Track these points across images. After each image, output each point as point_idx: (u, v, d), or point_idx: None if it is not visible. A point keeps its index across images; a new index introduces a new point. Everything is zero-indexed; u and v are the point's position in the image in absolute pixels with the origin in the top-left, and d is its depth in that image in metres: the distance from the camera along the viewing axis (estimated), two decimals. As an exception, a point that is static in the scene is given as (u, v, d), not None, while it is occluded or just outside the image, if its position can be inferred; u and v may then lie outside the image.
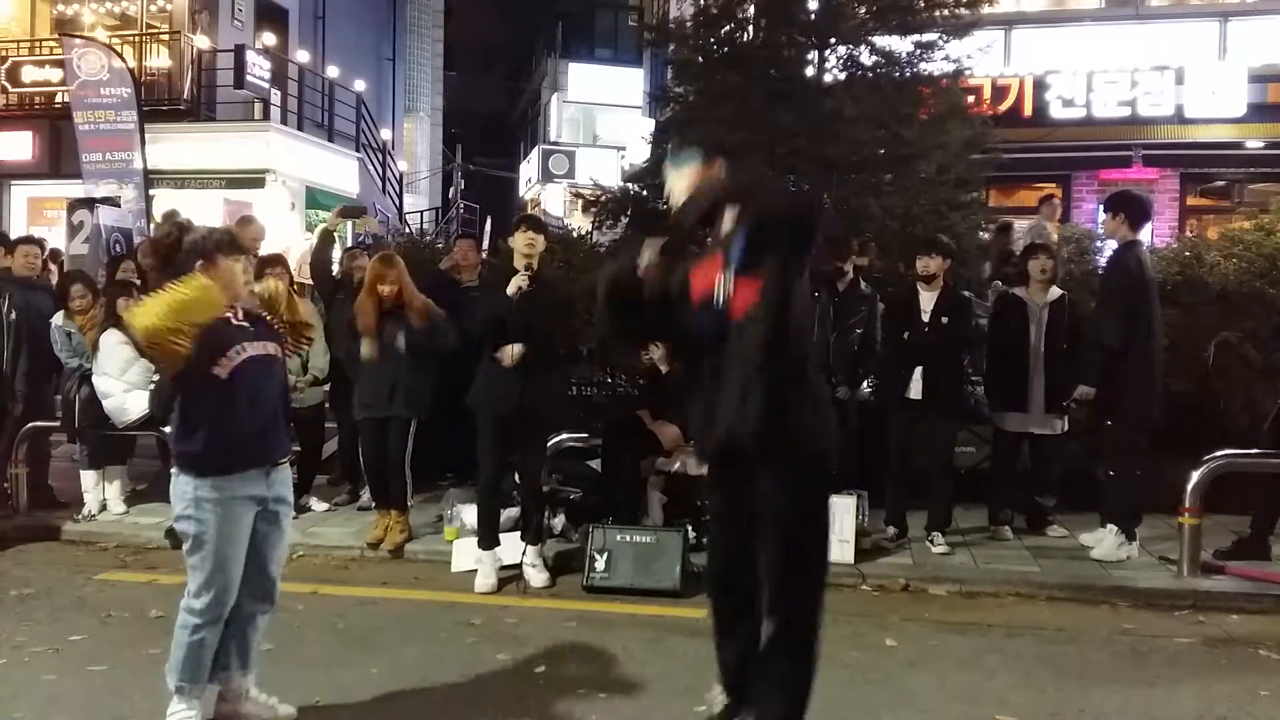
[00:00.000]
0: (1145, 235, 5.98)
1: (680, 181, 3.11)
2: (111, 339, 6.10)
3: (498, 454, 5.43)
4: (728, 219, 2.92)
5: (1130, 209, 5.70)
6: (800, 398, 2.94)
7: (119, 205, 11.37)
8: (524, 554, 5.47)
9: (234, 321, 3.49)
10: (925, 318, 5.77)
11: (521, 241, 5.25)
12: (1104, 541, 5.65)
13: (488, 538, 5.43)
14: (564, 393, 5.58)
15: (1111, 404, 5.61)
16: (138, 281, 7.22)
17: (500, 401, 5.27)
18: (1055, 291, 6.05)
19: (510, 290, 5.18)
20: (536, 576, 5.42)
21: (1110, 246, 7.11)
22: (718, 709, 3.29)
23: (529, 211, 25.20)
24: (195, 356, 3.32)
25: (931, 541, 5.76)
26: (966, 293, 6.58)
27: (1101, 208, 5.92)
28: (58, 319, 6.57)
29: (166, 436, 4.20)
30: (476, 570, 5.41)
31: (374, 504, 6.29)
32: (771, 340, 2.84)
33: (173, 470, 3.51)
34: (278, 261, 7.02)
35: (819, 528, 3.03)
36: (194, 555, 3.45)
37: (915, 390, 5.73)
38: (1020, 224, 8.79)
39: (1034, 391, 5.96)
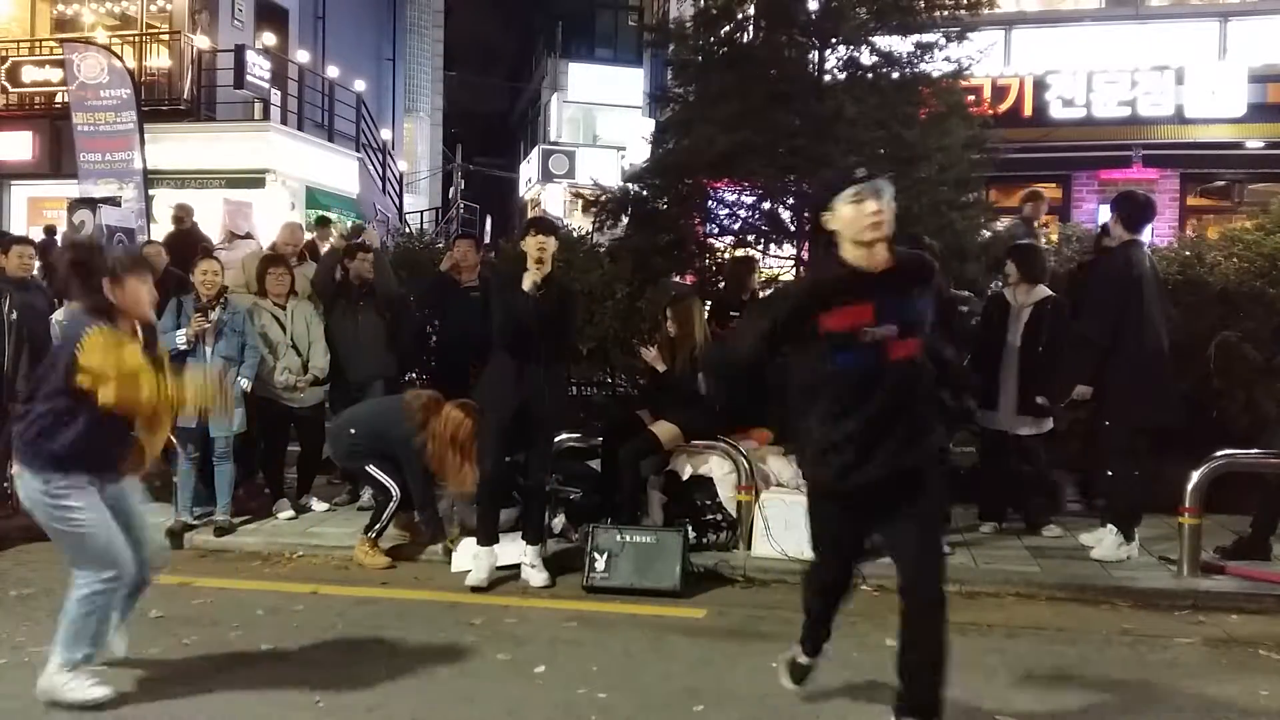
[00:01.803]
0: (1145, 235, 5.96)
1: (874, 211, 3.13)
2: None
3: (499, 453, 5.44)
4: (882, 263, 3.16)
5: (1125, 209, 5.70)
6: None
7: (119, 204, 11.37)
8: (524, 554, 5.48)
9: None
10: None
11: (533, 245, 5.26)
12: (1104, 541, 5.65)
13: (485, 535, 5.45)
14: (565, 392, 5.61)
15: (1103, 403, 5.60)
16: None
17: (509, 400, 5.30)
18: (1041, 292, 6.05)
19: (526, 286, 5.20)
20: (536, 576, 5.43)
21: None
22: (800, 660, 3.68)
23: (534, 212, 25.29)
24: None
25: None
26: (965, 292, 6.59)
27: (1108, 207, 5.93)
28: (59, 314, 6.58)
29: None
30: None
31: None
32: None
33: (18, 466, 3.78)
34: (279, 262, 7.03)
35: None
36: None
37: None
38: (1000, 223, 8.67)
39: (1005, 391, 5.98)
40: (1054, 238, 8.75)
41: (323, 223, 10.82)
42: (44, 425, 3.67)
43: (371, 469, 5.90)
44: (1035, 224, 8.33)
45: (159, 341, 4.08)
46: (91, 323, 3.65)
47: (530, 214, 25.64)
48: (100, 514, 3.75)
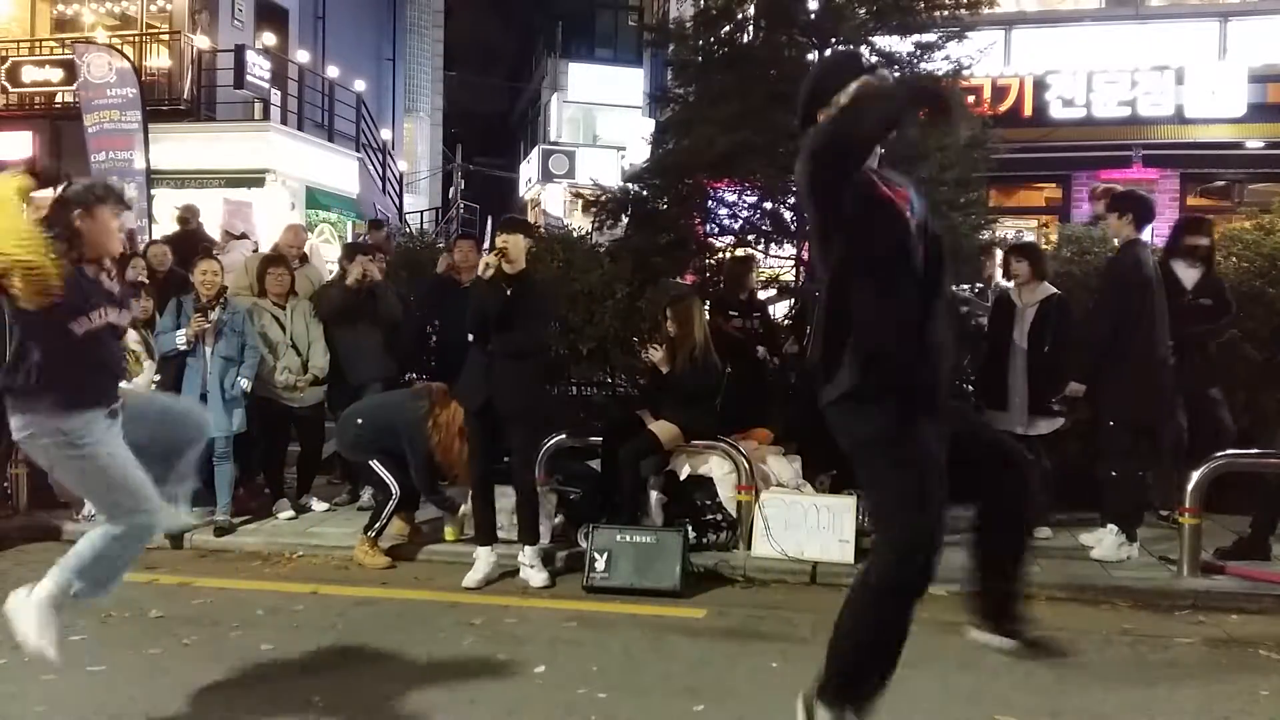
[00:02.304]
0: (1146, 235, 5.97)
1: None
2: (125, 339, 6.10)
3: (478, 448, 5.49)
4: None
5: (1138, 208, 5.71)
6: None
7: (120, 204, 11.36)
8: (522, 554, 5.48)
9: (104, 284, 3.52)
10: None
11: (496, 242, 5.40)
12: (1104, 541, 5.65)
13: (481, 535, 5.47)
14: (542, 389, 5.59)
15: (1108, 403, 5.60)
16: (145, 281, 7.24)
17: (475, 395, 5.40)
18: (1044, 291, 6.05)
19: (479, 270, 5.36)
20: (535, 576, 5.43)
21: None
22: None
23: (534, 212, 25.28)
24: (57, 304, 3.31)
25: None
26: (966, 292, 6.59)
27: (1105, 206, 5.90)
28: None
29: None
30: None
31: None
32: None
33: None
34: (280, 262, 7.03)
35: None
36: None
37: None
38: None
39: (1015, 391, 5.98)
40: (1053, 238, 8.74)
41: (376, 225, 10.97)
42: (20, 372, 3.38)
43: (375, 464, 5.90)
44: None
45: (125, 286, 3.87)
46: None
47: (530, 214, 25.72)
48: (122, 449, 3.44)
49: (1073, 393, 5.67)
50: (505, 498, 5.72)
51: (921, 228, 2.79)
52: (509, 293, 5.30)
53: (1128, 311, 5.49)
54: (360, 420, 6.02)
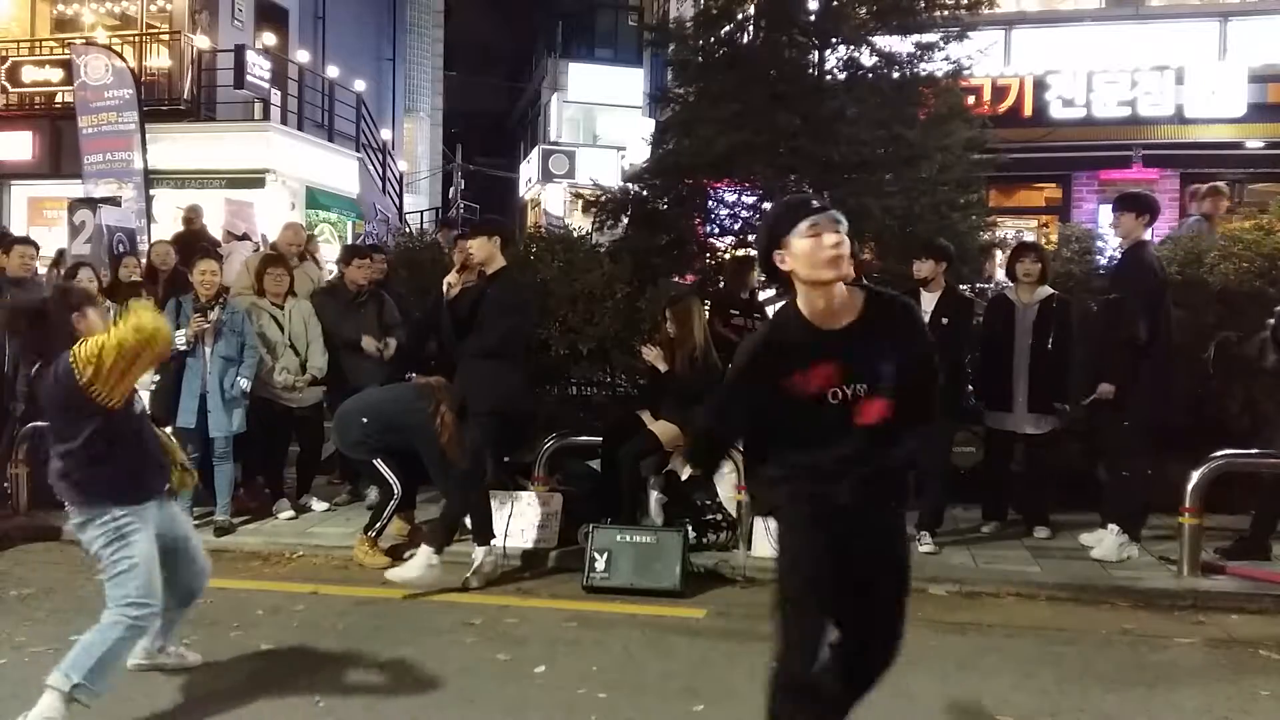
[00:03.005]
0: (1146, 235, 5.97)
1: (846, 246, 2.70)
2: None
3: (469, 446, 5.50)
4: (850, 314, 2.76)
5: (1153, 209, 5.73)
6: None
7: (120, 204, 11.37)
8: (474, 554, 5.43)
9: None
10: (925, 319, 5.78)
11: (456, 254, 5.54)
12: (1104, 541, 5.65)
13: (478, 535, 5.46)
14: (514, 390, 5.50)
15: (1132, 403, 5.59)
16: (140, 280, 7.25)
17: (457, 397, 5.49)
18: (1044, 291, 6.06)
19: (444, 289, 5.38)
20: (474, 579, 5.36)
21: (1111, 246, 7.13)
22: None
23: (534, 212, 25.27)
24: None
25: (919, 541, 5.78)
26: (969, 293, 6.59)
27: (1114, 205, 5.88)
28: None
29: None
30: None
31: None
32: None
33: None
34: (279, 263, 7.03)
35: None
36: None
37: None
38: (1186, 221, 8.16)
39: (1018, 392, 5.99)
40: (1053, 238, 8.74)
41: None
42: (81, 461, 3.62)
43: (378, 463, 5.83)
44: (1214, 220, 7.81)
45: None
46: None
47: (530, 214, 25.73)
48: (152, 545, 3.70)
49: (1103, 394, 5.61)
50: (505, 503, 5.73)
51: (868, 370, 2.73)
52: (484, 292, 5.32)
53: (1159, 310, 5.54)
54: (365, 419, 5.87)
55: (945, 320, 5.75)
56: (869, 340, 2.73)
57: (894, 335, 2.76)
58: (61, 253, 9.75)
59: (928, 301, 5.81)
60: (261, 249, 9.52)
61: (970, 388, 6.62)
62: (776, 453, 2.88)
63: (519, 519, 5.83)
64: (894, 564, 2.92)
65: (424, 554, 5.26)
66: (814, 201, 2.78)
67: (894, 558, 2.92)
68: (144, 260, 8.33)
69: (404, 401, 5.90)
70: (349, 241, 16.46)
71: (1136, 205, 5.72)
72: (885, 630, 2.91)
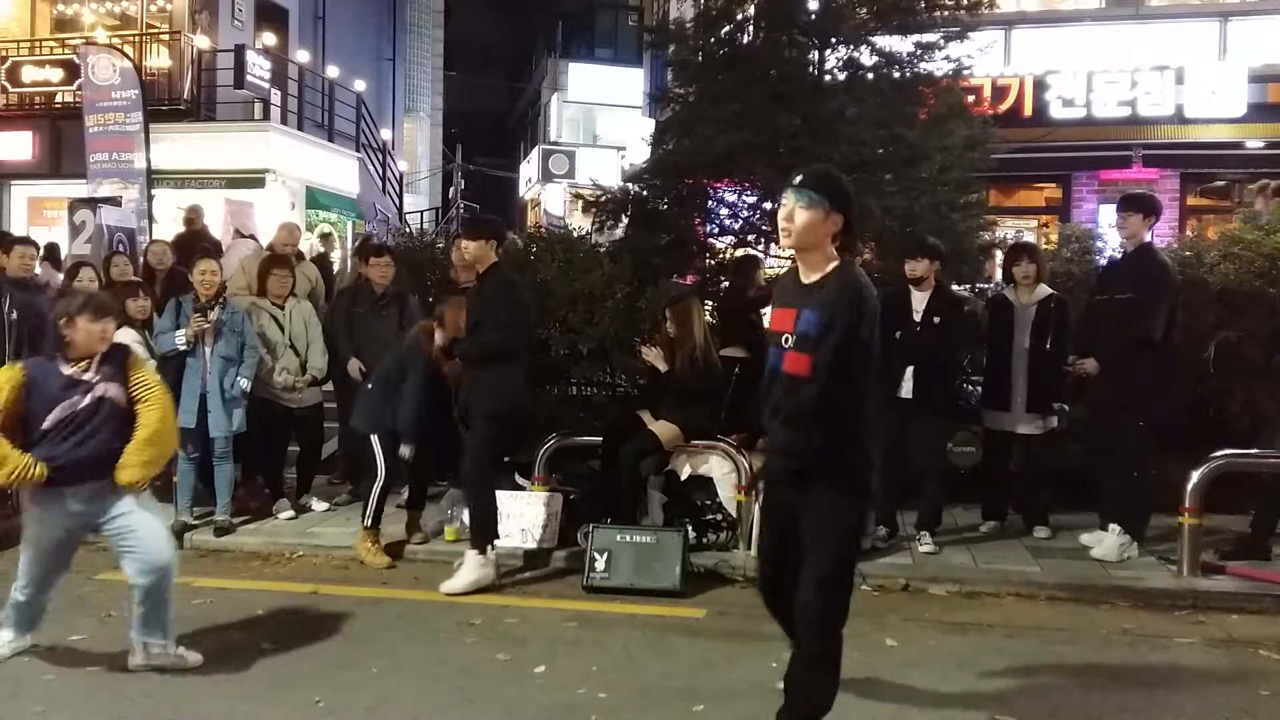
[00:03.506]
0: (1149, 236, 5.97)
1: (800, 216, 3.15)
2: (124, 338, 6.10)
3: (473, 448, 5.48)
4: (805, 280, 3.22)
5: (1156, 210, 5.74)
6: (841, 433, 3.21)
7: (120, 205, 11.37)
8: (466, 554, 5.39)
9: (76, 378, 4.02)
10: (917, 318, 5.80)
11: (454, 255, 5.53)
12: (1105, 541, 5.65)
13: (477, 537, 5.42)
14: (516, 392, 5.50)
15: (1139, 401, 5.59)
16: (138, 279, 7.24)
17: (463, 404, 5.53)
18: (1043, 291, 6.06)
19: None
20: (447, 583, 5.28)
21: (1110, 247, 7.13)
22: None
23: (534, 212, 25.24)
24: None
25: (919, 541, 5.78)
26: (963, 292, 6.59)
27: (1119, 206, 5.88)
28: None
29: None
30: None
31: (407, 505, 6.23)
32: (819, 400, 3.12)
33: None
34: (283, 263, 7.03)
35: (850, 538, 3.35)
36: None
37: (906, 390, 5.75)
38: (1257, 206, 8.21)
39: (1017, 391, 5.99)
40: (1053, 238, 8.74)
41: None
42: None
43: (374, 439, 5.83)
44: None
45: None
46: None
47: (530, 214, 25.71)
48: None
49: (1086, 369, 5.68)
50: (505, 503, 5.73)
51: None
52: (480, 292, 5.32)
53: (1174, 310, 5.58)
54: (370, 385, 6.06)
55: (937, 319, 5.76)
56: (814, 300, 3.13)
57: (819, 304, 3.12)
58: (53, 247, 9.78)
59: (918, 300, 5.82)
60: (261, 250, 9.52)
61: (969, 387, 6.63)
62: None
63: (519, 519, 5.82)
64: (813, 515, 3.22)
65: (471, 559, 5.31)
66: (797, 177, 3.23)
67: (813, 509, 3.22)
68: (140, 259, 8.33)
69: (392, 356, 5.98)
70: (349, 241, 16.49)
71: (1142, 206, 5.71)
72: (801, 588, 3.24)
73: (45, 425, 3.95)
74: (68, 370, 4.03)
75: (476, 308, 5.33)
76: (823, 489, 3.19)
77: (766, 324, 3.33)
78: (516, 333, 5.42)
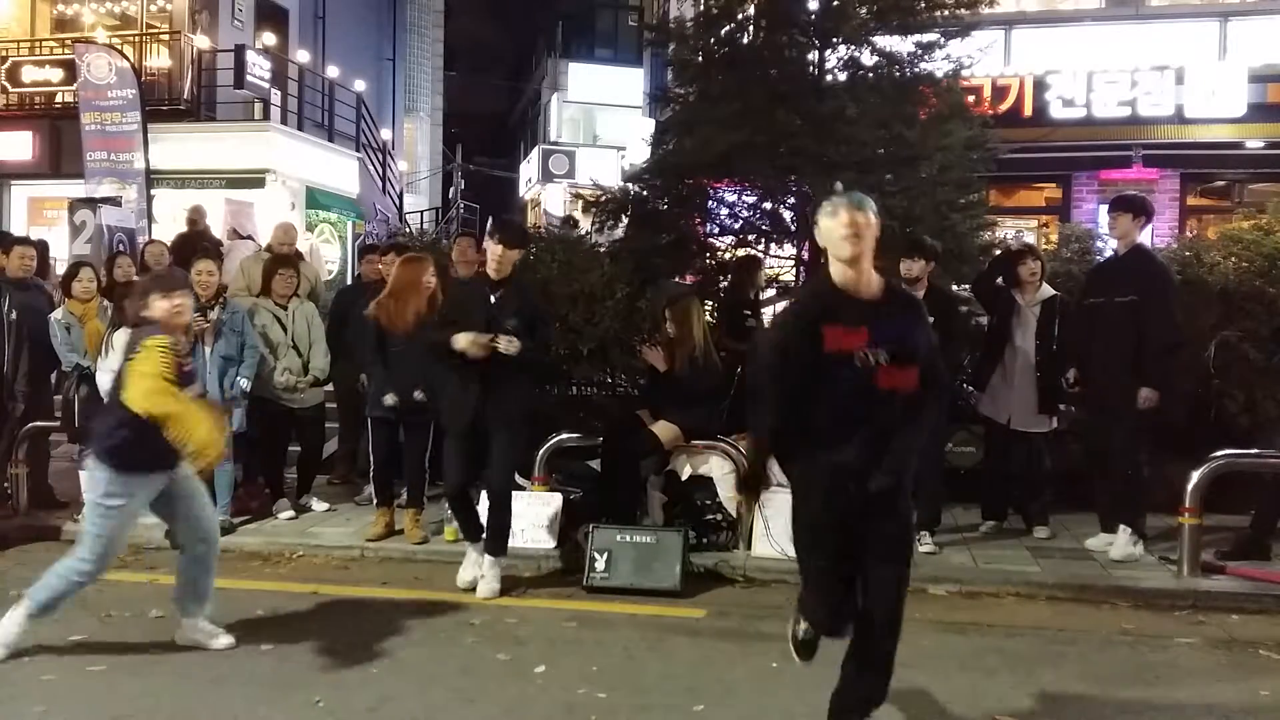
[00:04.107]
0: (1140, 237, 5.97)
1: (873, 228, 3.12)
2: (123, 338, 6.10)
3: (463, 465, 5.32)
4: (875, 289, 3.16)
5: (1147, 211, 5.74)
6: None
7: (120, 204, 11.39)
8: (482, 561, 5.33)
9: (185, 367, 4.23)
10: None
11: (486, 245, 5.37)
12: (1118, 541, 5.63)
13: (471, 534, 5.44)
14: (534, 395, 5.47)
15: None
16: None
17: (462, 412, 5.21)
18: (1046, 291, 6.07)
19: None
20: (485, 587, 5.26)
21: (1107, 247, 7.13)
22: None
23: (534, 212, 25.22)
24: None
25: (919, 541, 5.78)
26: (961, 290, 6.59)
27: (1110, 207, 5.88)
28: (57, 314, 6.61)
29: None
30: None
31: (376, 502, 6.29)
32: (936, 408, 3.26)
33: (89, 461, 4.30)
34: (288, 264, 7.03)
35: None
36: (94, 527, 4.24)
37: None
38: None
39: (1022, 390, 5.99)
40: (1053, 238, 8.74)
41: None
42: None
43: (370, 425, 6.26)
44: None
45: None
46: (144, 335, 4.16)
47: (530, 214, 25.69)
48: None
49: (1147, 400, 5.49)
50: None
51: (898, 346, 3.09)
52: (497, 297, 5.19)
53: (1178, 311, 5.62)
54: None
55: (932, 320, 5.74)
56: (890, 317, 3.11)
57: (909, 320, 3.17)
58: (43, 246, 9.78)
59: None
60: (260, 251, 9.52)
61: (968, 387, 6.63)
62: (798, 415, 3.14)
63: (519, 519, 5.82)
64: (892, 526, 3.17)
65: (494, 564, 5.31)
66: (840, 185, 3.22)
67: (893, 520, 3.18)
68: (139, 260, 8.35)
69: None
70: (349, 241, 16.51)
71: (1133, 207, 5.71)
72: (881, 594, 3.17)
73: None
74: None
75: (508, 310, 5.19)
76: (896, 496, 3.17)
77: (775, 336, 3.25)
78: (549, 345, 5.64)
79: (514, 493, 5.93)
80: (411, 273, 5.93)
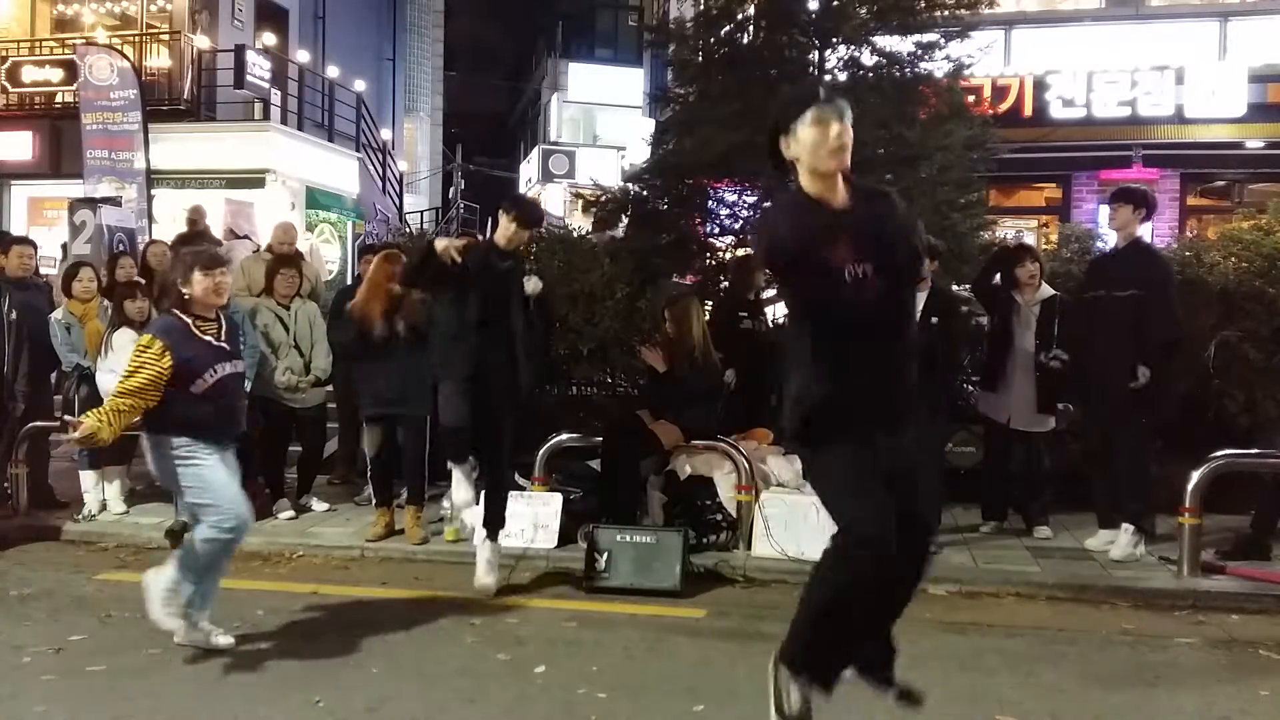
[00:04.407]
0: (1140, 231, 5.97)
1: (850, 132, 2.81)
2: (123, 338, 6.11)
3: (465, 426, 5.15)
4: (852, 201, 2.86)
5: (1148, 203, 5.73)
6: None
7: (120, 204, 11.38)
8: (481, 547, 5.30)
9: (213, 343, 4.21)
10: (915, 318, 5.79)
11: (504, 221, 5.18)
12: (1120, 540, 5.63)
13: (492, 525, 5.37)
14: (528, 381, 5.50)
15: (1155, 399, 5.60)
16: (141, 280, 7.25)
17: (463, 362, 5.08)
18: (1046, 291, 6.08)
19: (453, 253, 4.99)
20: (485, 578, 5.24)
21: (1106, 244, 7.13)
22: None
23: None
24: (173, 379, 4.08)
25: None
26: (962, 290, 6.60)
27: (1110, 198, 5.88)
28: (58, 314, 6.62)
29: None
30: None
31: (375, 502, 6.29)
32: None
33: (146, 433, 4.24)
34: (290, 263, 7.03)
35: None
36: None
37: None
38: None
39: (1021, 390, 6.00)
40: (1053, 238, 8.74)
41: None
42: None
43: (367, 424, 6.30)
44: None
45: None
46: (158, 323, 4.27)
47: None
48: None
49: (1143, 378, 5.52)
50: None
51: (883, 267, 2.80)
52: (505, 266, 5.14)
53: (1179, 307, 5.63)
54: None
55: (934, 319, 5.75)
56: (868, 223, 2.80)
57: (888, 222, 2.85)
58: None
59: (917, 300, 5.81)
60: (260, 251, 9.52)
61: (968, 387, 6.64)
62: (803, 345, 2.91)
63: (519, 519, 5.82)
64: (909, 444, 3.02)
65: (488, 549, 5.29)
66: (820, 91, 2.91)
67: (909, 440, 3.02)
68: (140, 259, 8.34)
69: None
70: (349, 241, 16.50)
71: (1133, 199, 5.71)
72: (910, 504, 2.96)
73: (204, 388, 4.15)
74: (205, 336, 4.21)
75: (518, 279, 5.21)
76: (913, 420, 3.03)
77: (790, 288, 2.94)
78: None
79: (514, 493, 5.96)
80: (383, 272, 5.91)
